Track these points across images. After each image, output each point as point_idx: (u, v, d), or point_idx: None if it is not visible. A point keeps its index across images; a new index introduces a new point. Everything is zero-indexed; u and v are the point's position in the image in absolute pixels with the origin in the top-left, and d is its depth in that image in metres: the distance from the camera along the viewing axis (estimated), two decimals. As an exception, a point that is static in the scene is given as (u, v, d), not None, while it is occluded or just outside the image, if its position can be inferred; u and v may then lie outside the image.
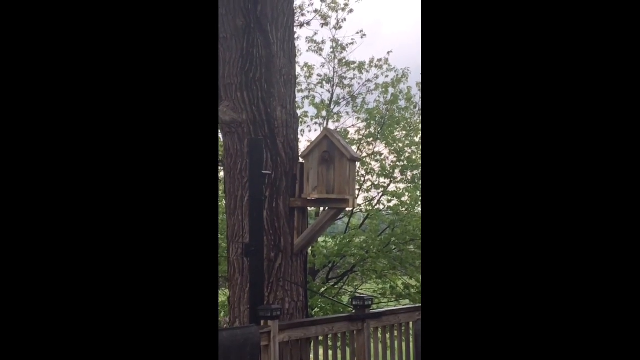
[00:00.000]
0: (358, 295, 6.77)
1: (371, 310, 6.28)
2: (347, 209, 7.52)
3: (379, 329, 6.42)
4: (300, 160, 6.80)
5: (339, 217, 12.99)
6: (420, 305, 7.69)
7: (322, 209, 12.92)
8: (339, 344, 6.17)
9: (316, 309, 12.77)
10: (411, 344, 6.61)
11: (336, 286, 14.64)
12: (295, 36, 7.49)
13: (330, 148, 6.53)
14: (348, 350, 6.37)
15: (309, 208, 7.25)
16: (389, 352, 6.74)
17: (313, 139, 6.74)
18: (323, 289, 13.77)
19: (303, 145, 8.19)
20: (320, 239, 13.28)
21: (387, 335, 6.57)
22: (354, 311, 6.24)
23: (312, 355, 5.86)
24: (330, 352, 6.04)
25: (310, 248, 9.60)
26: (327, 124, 14.91)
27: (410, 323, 6.59)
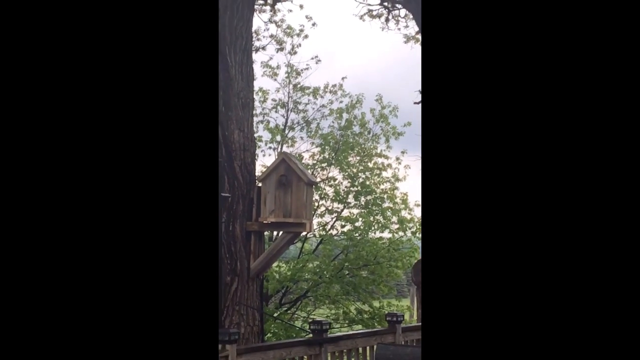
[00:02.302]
0: (315, 319, 6.73)
1: (328, 335, 6.25)
2: (304, 233, 7.51)
3: (336, 354, 6.39)
4: (258, 183, 6.79)
5: (292, 244, 12.96)
6: (377, 329, 7.70)
7: (275, 232, 12.92)
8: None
9: (269, 334, 12.67)
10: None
11: (289, 311, 14.57)
12: (251, 60, 7.50)
13: (288, 172, 6.53)
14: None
15: (265, 233, 7.22)
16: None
17: (267, 163, 6.76)
18: (276, 314, 13.69)
19: (257, 169, 8.15)
20: (274, 264, 13.22)
21: (345, 360, 6.53)
22: (311, 335, 6.21)
23: (268, 380, 5.80)
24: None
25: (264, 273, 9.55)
26: (281, 148, 14.92)
27: (368, 348, 6.58)
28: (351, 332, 7.55)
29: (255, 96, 14.76)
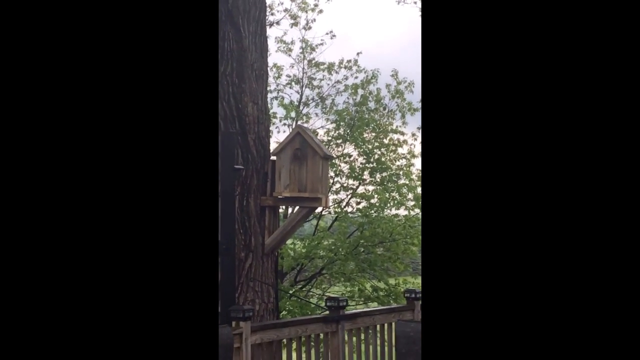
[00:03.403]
0: (332, 296, 6.58)
1: (345, 312, 6.10)
2: (319, 208, 7.33)
3: (353, 331, 6.24)
4: (272, 157, 6.61)
5: (307, 220, 12.80)
6: (395, 306, 7.57)
7: (290, 209, 12.79)
8: (312, 345, 5.97)
9: (284, 312, 12.56)
10: (386, 346, 6.44)
11: (304, 289, 14.46)
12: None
13: (303, 145, 6.36)
14: (322, 352, 6.19)
15: (280, 209, 7.06)
16: (363, 355, 6.56)
17: (282, 140, 6.57)
18: (291, 292, 13.58)
19: (272, 146, 7.98)
20: (289, 241, 13.08)
21: (362, 337, 6.38)
22: (327, 312, 6.06)
23: (284, 358, 5.67)
24: (303, 355, 5.84)
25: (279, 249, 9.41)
26: (296, 125, 14.72)
27: (386, 325, 6.43)
28: (369, 309, 7.41)
29: (269, 72, 14.61)
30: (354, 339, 6.30)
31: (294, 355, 5.75)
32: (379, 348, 6.44)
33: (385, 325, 6.45)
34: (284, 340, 5.80)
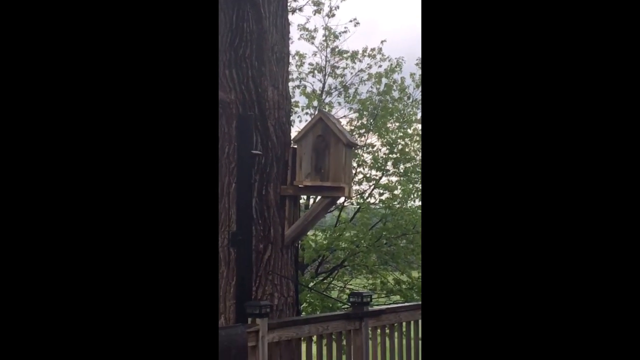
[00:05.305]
0: (354, 291, 6.25)
1: (370, 308, 5.77)
2: (342, 198, 7.00)
3: (378, 329, 5.92)
4: (293, 144, 6.30)
5: (329, 210, 12.51)
6: (421, 302, 7.25)
7: (311, 199, 12.52)
8: (334, 344, 5.65)
9: (304, 304, 12.29)
10: (412, 345, 6.13)
11: (325, 281, 14.20)
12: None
13: (325, 132, 6.03)
14: (344, 350, 5.89)
15: (301, 199, 6.76)
16: (388, 353, 6.24)
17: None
18: (311, 284, 13.30)
19: (293, 134, 7.67)
20: (310, 232, 12.80)
21: (387, 335, 6.06)
22: (350, 308, 5.74)
23: (304, 357, 5.36)
24: (324, 354, 5.53)
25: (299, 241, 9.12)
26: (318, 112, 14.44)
27: (412, 322, 6.12)
28: (394, 305, 7.08)
29: (291, 60, 14.31)
30: (379, 337, 5.97)
31: (314, 353, 5.44)
32: (404, 346, 6.12)
33: (412, 322, 6.13)
34: (304, 338, 5.49)
